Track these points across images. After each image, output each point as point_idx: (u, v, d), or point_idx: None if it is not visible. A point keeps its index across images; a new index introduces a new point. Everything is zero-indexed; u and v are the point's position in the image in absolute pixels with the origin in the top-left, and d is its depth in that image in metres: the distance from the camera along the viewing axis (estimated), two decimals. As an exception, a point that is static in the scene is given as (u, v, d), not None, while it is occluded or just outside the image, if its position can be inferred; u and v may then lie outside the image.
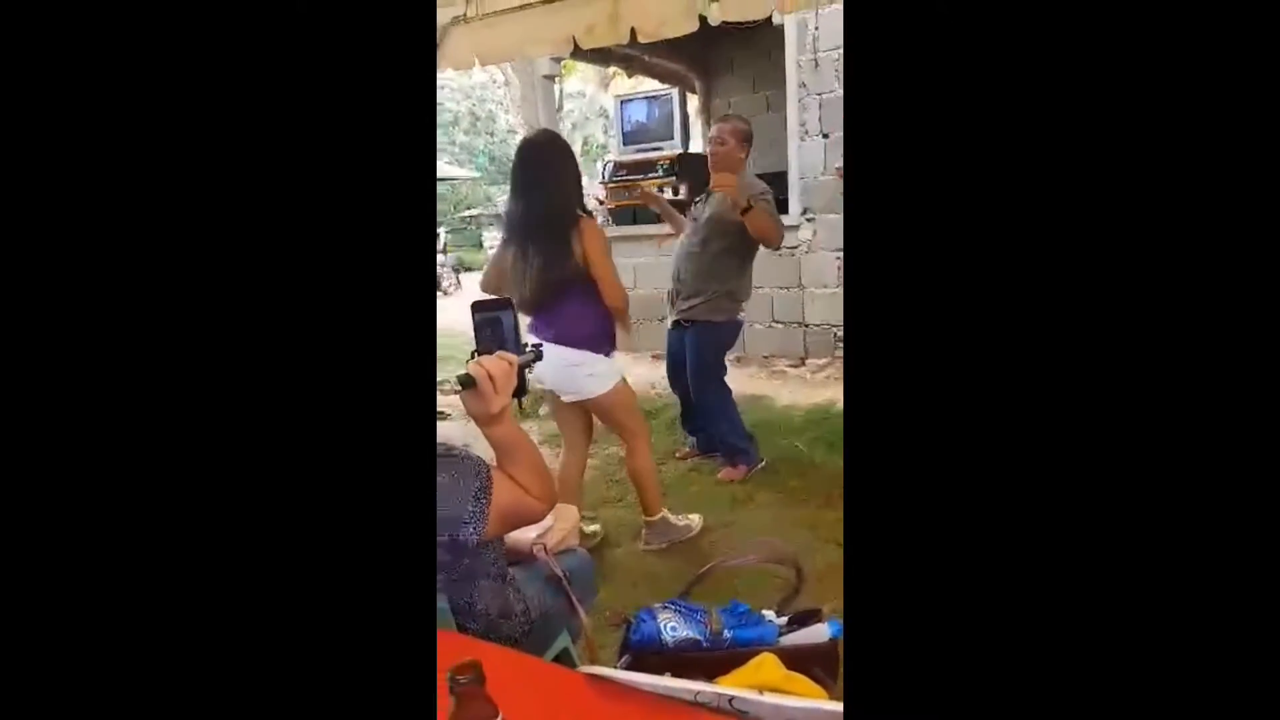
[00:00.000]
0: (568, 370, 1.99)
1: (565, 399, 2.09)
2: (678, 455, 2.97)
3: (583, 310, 1.97)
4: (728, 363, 2.79)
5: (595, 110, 12.15)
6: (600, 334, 2.02)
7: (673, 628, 0.92)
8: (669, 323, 2.74)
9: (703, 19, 2.09)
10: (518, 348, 1.00)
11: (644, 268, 4.49)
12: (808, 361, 4.13)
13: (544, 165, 1.94)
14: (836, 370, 3.90)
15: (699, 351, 2.63)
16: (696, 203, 2.67)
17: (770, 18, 2.21)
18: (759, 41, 4.94)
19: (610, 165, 4.87)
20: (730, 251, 2.51)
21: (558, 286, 1.91)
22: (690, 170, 4.35)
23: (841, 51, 3.67)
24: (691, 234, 2.59)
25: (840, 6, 3.19)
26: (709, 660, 0.88)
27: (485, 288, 2.08)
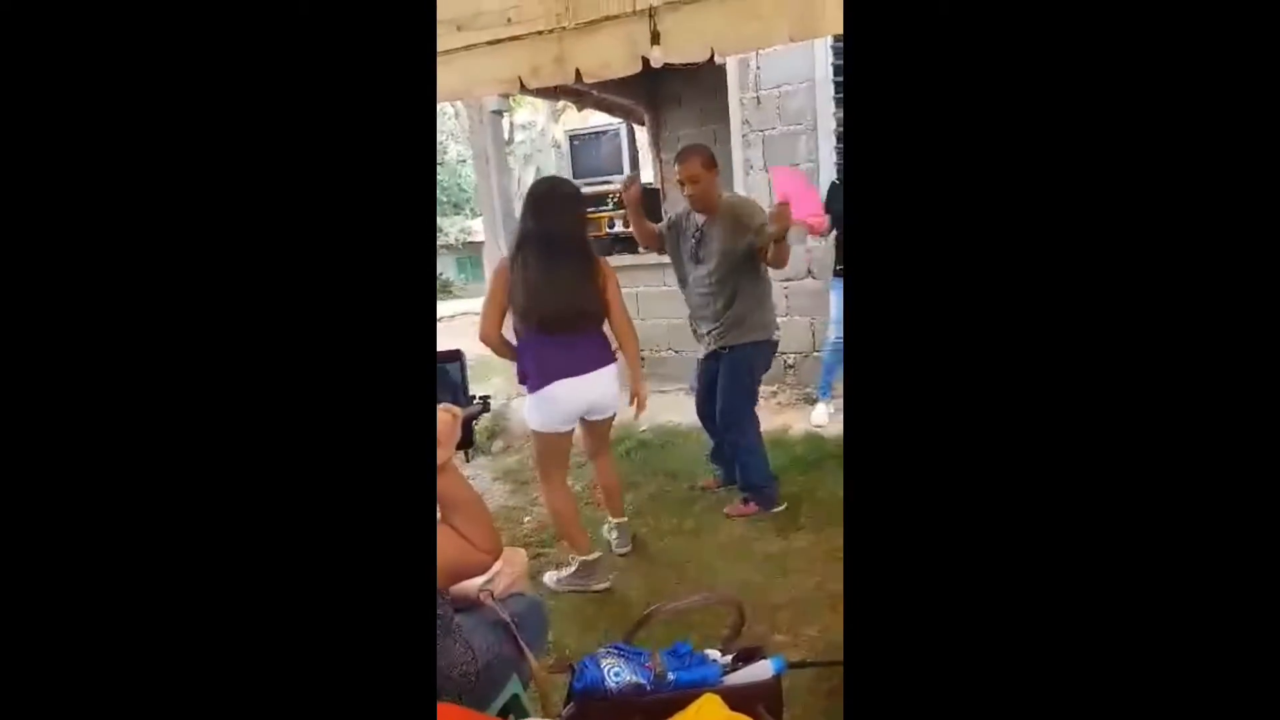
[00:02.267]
0: (612, 388, 2.16)
1: (594, 419, 2.22)
2: (702, 485, 2.91)
3: (604, 335, 2.18)
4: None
5: (546, 142, 12.27)
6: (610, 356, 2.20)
7: (616, 673, 0.93)
8: (701, 355, 2.67)
9: (645, 60, 2.16)
10: (465, 400, 1.01)
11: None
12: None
13: (558, 209, 2.11)
14: (786, 396, 3.97)
15: (733, 375, 2.53)
16: (693, 238, 2.56)
17: (712, 58, 2.28)
18: (704, 78, 5.07)
19: (561, 198, 4.90)
20: (747, 280, 2.47)
21: (589, 314, 2.12)
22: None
23: (780, 90, 3.81)
24: (701, 272, 2.52)
25: (779, 49, 3.31)
26: (654, 704, 0.89)
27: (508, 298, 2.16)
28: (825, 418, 3.44)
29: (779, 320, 3.80)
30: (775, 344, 2.60)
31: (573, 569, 2.25)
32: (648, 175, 6.12)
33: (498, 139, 4.91)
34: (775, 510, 2.59)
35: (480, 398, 1.07)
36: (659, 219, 2.65)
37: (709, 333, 2.54)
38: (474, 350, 1.59)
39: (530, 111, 11.29)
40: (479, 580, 1.23)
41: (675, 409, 3.65)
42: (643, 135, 5.98)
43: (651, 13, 2.15)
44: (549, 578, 2.28)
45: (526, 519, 2.85)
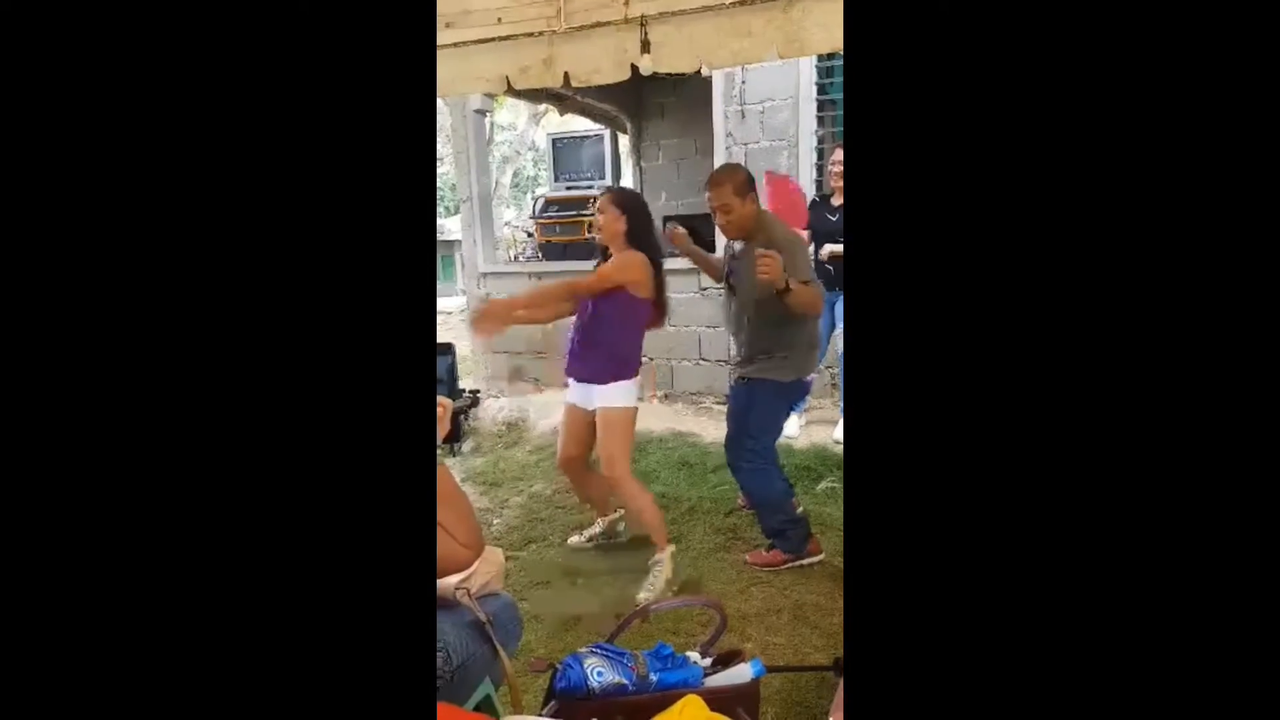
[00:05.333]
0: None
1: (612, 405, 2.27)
2: (740, 504, 2.74)
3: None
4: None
5: (526, 144, 12.24)
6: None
7: (599, 672, 0.93)
8: (732, 379, 2.44)
9: (634, 68, 2.18)
10: (454, 393, 1.00)
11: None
12: (732, 398, 4.21)
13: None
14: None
15: (748, 407, 2.27)
16: (731, 260, 2.38)
17: (699, 70, 2.31)
18: (688, 89, 5.13)
19: (541, 201, 4.90)
20: (777, 316, 2.17)
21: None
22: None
23: (764, 105, 3.86)
24: (733, 305, 2.37)
25: (764, 66, 3.37)
26: (635, 704, 0.89)
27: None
28: (796, 429, 3.48)
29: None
30: (804, 386, 2.35)
31: (598, 528, 2.52)
32: (627, 182, 6.14)
33: (479, 138, 4.89)
34: (809, 560, 2.25)
35: (470, 391, 1.06)
36: (648, 227, 2.47)
37: (740, 357, 2.35)
38: (464, 345, 1.57)
39: (511, 113, 11.26)
40: (454, 578, 1.22)
41: (650, 416, 3.66)
42: (624, 142, 6.01)
43: (643, 22, 2.18)
44: (573, 541, 2.54)
45: (496, 520, 2.82)
